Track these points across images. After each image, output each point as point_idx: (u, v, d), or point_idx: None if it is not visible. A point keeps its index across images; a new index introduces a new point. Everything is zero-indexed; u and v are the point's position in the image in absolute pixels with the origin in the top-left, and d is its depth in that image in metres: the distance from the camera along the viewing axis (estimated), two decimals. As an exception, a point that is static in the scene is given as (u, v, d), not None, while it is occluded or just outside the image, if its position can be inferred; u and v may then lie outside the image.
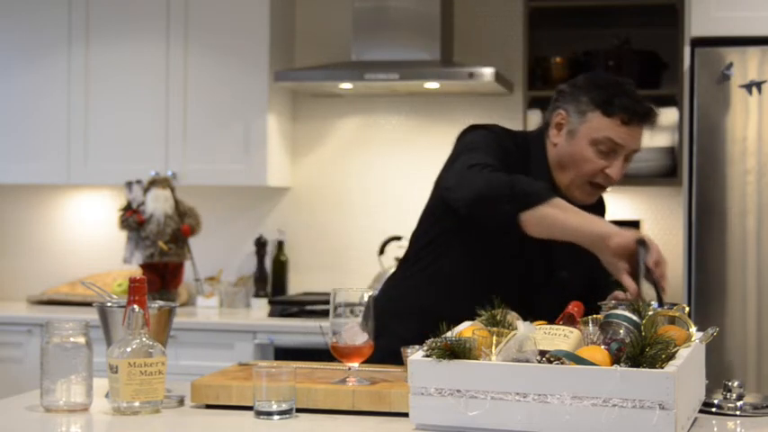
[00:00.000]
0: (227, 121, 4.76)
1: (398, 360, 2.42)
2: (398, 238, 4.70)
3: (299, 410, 2.16)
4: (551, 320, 2.18)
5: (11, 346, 4.63)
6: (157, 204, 4.66)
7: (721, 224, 3.93)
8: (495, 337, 2.06)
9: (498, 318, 2.14)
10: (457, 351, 2.00)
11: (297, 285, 5.02)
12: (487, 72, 4.39)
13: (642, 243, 2.34)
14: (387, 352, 2.43)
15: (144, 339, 2.17)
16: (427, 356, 2.02)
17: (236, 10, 4.74)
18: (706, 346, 2.23)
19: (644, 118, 2.59)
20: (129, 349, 2.16)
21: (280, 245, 4.96)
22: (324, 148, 4.99)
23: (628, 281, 2.35)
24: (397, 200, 4.85)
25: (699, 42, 3.97)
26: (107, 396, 2.24)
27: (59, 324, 2.22)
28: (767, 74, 3.88)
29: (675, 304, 2.30)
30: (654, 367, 1.91)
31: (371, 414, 2.16)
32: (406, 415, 2.06)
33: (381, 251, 4.76)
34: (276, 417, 2.12)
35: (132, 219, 4.70)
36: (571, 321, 2.14)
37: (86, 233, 5.20)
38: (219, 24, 4.76)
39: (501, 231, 2.49)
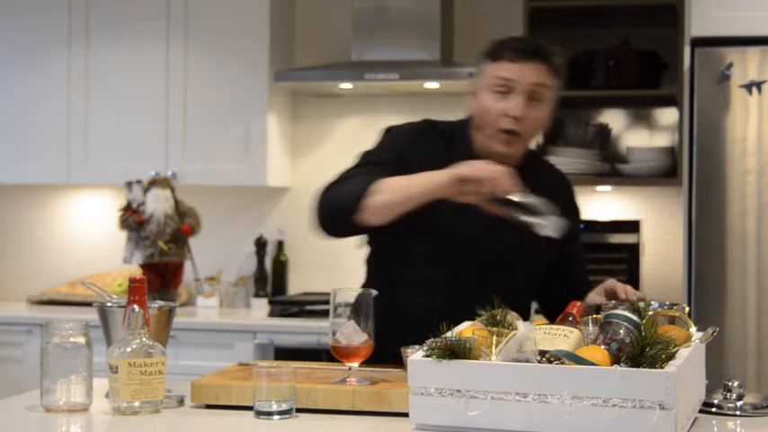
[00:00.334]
0: (227, 121, 4.76)
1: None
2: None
3: (299, 410, 2.16)
4: (505, 299, 2.22)
5: (11, 346, 4.63)
6: (157, 204, 4.66)
7: (721, 224, 3.93)
8: (495, 337, 2.06)
9: (498, 318, 2.14)
10: (457, 351, 2.00)
11: (297, 285, 5.02)
12: (487, 72, 4.39)
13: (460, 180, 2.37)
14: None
15: (144, 339, 2.17)
16: (427, 356, 2.03)
17: (236, 10, 4.74)
18: (706, 346, 2.23)
19: (533, 53, 2.56)
20: (129, 349, 2.16)
21: (280, 245, 4.96)
22: (324, 148, 4.99)
23: (490, 208, 2.38)
24: (397, 200, 4.84)
25: (699, 42, 3.97)
26: (107, 396, 2.24)
27: (59, 324, 2.22)
28: (767, 74, 3.88)
29: (675, 304, 2.30)
30: (654, 367, 1.91)
31: (371, 414, 2.16)
32: (406, 415, 2.06)
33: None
34: (276, 417, 2.12)
35: (132, 219, 4.70)
36: (571, 321, 2.14)
37: (86, 233, 5.20)
38: (219, 24, 4.76)
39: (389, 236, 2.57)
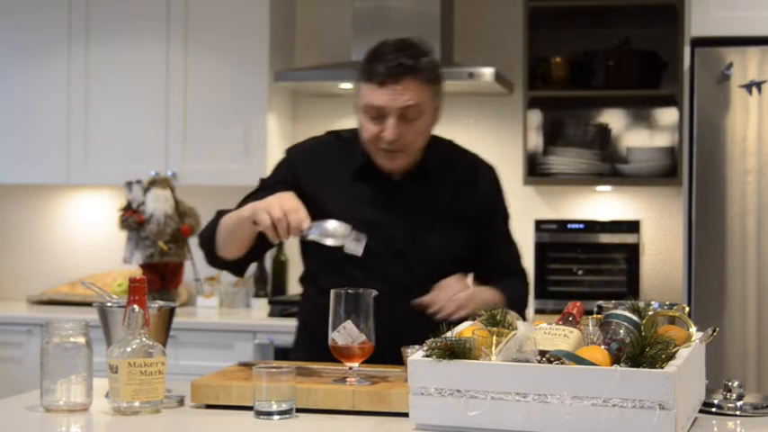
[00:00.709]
0: (227, 121, 4.76)
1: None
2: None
3: (299, 410, 2.16)
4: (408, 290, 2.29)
5: (11, 346, 4.63)
6: (157, 204, 4.66)
7: (721, 224, 3.93)
8: (495, 337, 2.06)
9: (498, 318, 2.14)
10: (457, 351, 2.00)
11: (297, 285, 5.00)
12: (487, 72, 4.39)
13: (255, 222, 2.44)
14: None
15: (144, 339, 2.17)
16: (427, 356, 2.02)
17: (236, 10, 4.74)
18: (706, 346, 2.23)
19: (401, 74, 2.53)
20: (129, 349, 2.16)
21: (280, 245, 4.96)
22: (324, 148, 4.98)
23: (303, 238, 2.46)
24: (397, 200, 4.85)
25: (699, 42, 3.97)
26: (107, 396, 2.24)
27: (59, 324, 2.22)
28: (767, 74, 3.88)
29: (675, 304, 2.30)
30: (654, 367, 1.91)
31: (371, 414, 2.16)
32: (406, 415, 2.06)
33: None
34: (276, 417, 2.12)
35: (132, 219, 4.70)
36: (571, 321, 2.14)
37: (86, 233, 5.20)
38: (219, 24, 4.76)
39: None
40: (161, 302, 2.39)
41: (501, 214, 2.81)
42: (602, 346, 2.01)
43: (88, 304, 4.41)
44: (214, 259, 2.69)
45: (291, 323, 4.41)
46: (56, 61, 4.88)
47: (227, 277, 4.99)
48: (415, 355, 2.07)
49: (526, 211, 4.79)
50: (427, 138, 2.66)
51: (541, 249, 4.61)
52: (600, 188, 4.74)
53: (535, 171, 4.64)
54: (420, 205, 2.67)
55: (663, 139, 4.68)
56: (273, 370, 2.12)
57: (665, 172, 4.51)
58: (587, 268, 4.57)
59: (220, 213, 2.68)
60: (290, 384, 2.13)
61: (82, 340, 2.22)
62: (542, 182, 4.67)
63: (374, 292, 2.31)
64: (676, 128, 4.55)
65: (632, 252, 4.53)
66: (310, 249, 2.69)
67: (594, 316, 2.22)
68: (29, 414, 2.21)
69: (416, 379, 2.02)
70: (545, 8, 4.59)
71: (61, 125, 4.88)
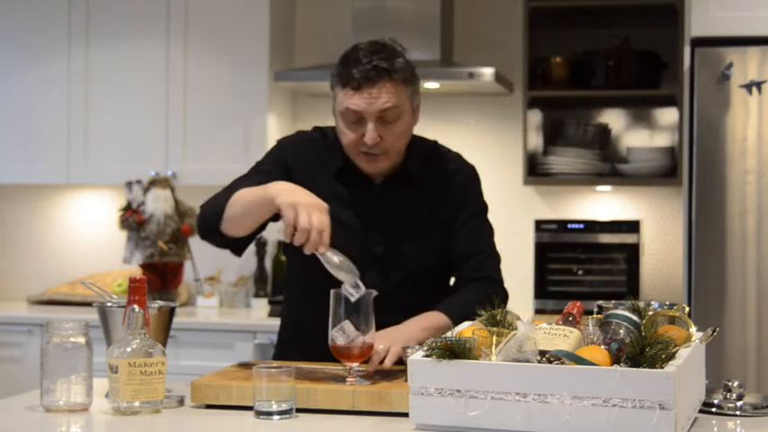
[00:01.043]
0: (227, 121, 4.76)
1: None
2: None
3: (299, 410, 2.16)
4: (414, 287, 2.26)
5: (11, 346, 4.63)
6: (157, 204, 4.66)
7: (721, 224, 3.93)
8: (495, 337, 2.06)
9: (498, 318, 2.14)
10: (457, 351, 2.00)
11: (297, 285, 5.01)
12: (487, 72, 4.39)
13: (279, 210, 2.37)
14: None
15: (144, 339, 2.17)
16: (427, 356, 2.03)
17: (236, 10, 4.74)
18: (706, 346, 2.23)
19: (376, 76, 2.52)
20: (129, 349, 2.16)
21: (280, 245, 4.96)
22: (324, 148, 4.98)
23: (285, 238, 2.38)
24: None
25: (699, 42, 3.97)
26: (107, 396, 2.24)
27: (59, 324, 2.22)
28: (767, 74, 3.88)
29: (675, 304, 2.30)
30: (654, 367, 1.91)
31: (371, 414, 2.16)
32: (406, 415, 2.06)
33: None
34: (276, 417, 2.12)
35: (132, 219, 4.70)
36: (571, 321, 2.14)
37: (86, 233, 5.20)
38: (219, 24, 4.76)
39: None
40: (161, 302, 2.39)
41: (470, 209, 2.71)
42: (602, 346, 2.01)
43: (88, 304, 4.41)
44: (214, 234, 2.59)
45: (291, 323, 4.43)
46: (56, 61, 4.88)
47: (227, 277, 4.99)
48: (415, 355, 2.07)
49: (526, 211, 4.80)
50: (408, 139, 2.64)
51: (541, 249, 4.61)
52: (600, 188, 4.74)
53: (535, 171, 4.64)
54: (399, 211, 2.65)
55: (663, 139, 4.68)
56: (273, 370, 2.12)
57: (665, 172, 4.51)
58: (587, 268, 4.57)
59: (229, 190, 2.59)
60: (290, 384, 2.13)
61: (82, 340, 2.22)
62: (542, 182, 4.67)
63: (374, 293, 2.31)
64: (676, 128, 4.55)
65: (632, 252, 4.53)
66: (293, 245, 2.68)
67: (594, 316, 2.22)
68: (29, 414, 2.21)
69: (416, 379, 2.02)
70: (545, 8, 4.59)
71: (61, 125, 4.88)
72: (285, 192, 2.38)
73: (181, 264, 4.77)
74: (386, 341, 2.37)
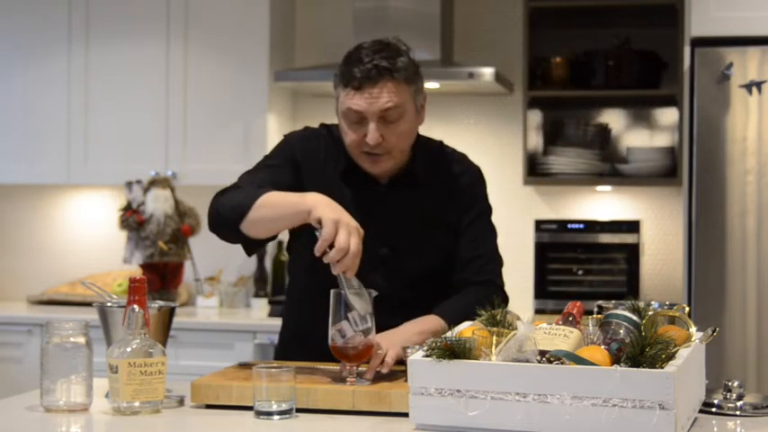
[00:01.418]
0: (227, 121, 4.76)
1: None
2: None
3: (299, 410, 2.16)
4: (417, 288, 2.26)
5: (11, 346, 4.63)
6: (157, 204, 4.66)
7: (721, 224, 3.93)
8: (495, 337, 2.06)
9: (498, 318, 2.14)
10: (457, 351, 2.00)
11: (297, 285, 5.01)
12: (487, 72, 4.39)
13: (319, 224, 2.31)
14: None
15: (144, 339, 2.17)
16: (427, 356, 2.02)
17: (236, 10, 4.74)
18: (706, 346, 2.23)
19: (376, 78, 2.50)
20: (129, 349, 2.16)
21: (279, 245, 4.96)
22: (324, 148, 4.98)
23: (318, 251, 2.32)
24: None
25: (699, 42, 3.97)
26: (107, 396, 2.24)
27: (59, 324, 2.22)
28: (767, 74, 3.88)
29: (675, 304, 2.30)
30: (654, 367, 1.91)
31: (371, 414, 2.16)
32: (406, 415, 2.06)
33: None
34: (276, 417, 2.12)
35: (132, 219, 4.70)
36: (571, 321, 2.14)
37: (86, 233, 5.20)
38: (219, 24, 4.76)
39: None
40: (161, 302, 2.39)
41: (474, 211, 2.70)
42: (602, 346, 2.01)
43: (88, 304, 4.41)
44: (230, 231, 2.50)
45: (291, 323, 4.44)
46: (56, 61, 4.88)
47: (227, 277, 4.99)
48: (415, 355, 2.07)
49: (526, 211, 4.80)
50: (412, 139, 2.63)
51: (541, 249, 4.61)
52: (600, 188, 4.74)
53: (535, 171, 4.64)
54: (404, 212, 2.64)
55: (663, 139, 4.68)
56: (273, 370, 2.12)
57: (665, 172, 4.51)
58: (587, 268, 4.57)
59: (242, 186, 2.55)
60: (290, 384, 2.13)
61: (82, 340, 2.22)
62: (542, 182, 4.67)
63: (374, 293, 2.31)
64: (676, 128, 4.55)
65: (632, 252, 4.53)
66: (298, 245, 2.67)
67: (594, 316, 2.22)
68: (29, 414, 2.21)
69: (416, 379, 2.02)
70: (545, 8, 4.59)
71: (61, 125, 4.88)
72: (325, 205, 2.33)
73: (181, 264, 4.77)
74: (383, 344, 2.36)
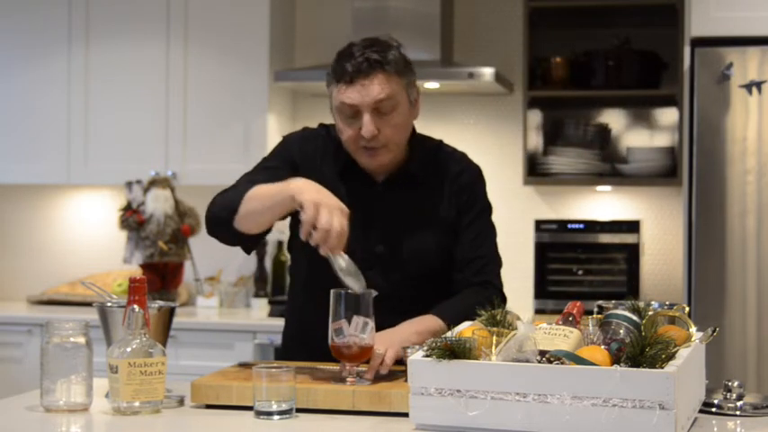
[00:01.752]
0: (227, 121, 4.76)
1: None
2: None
3: (299, 410, 2.16)
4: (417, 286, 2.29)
5: (11, 346, 4.63)
6: (157, 204, 4.66)
7: (721, 224, 3.93)
8: (495, 337, 2.06)
9: (498, 318, 2.14)
10: (457, 351, 2.00)
11: (297, 285, 5.01)
12: (487, 72, 4.39)
13: (302, 208, 2.34)
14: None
15: (144, 339, 2.17)
16: (427, 356, 2.02)
17: (236, 10, 4.74)
18: (706, 346, 2.23)
19: (368, 70, 2.53)
20: (129, 349, 2.16)
21: (279, 245, 4.96)
22: (324, 148, 4.98)
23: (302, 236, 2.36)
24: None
25: (699, 42, 3.97)
26: (107, 396, 2.24)
27: (59, 324, 2.22)
28: (767, 74, 3.88)
29: (675, 304, 2.30)
30: (654, 367, 1.91)
31: (371, 414, 2.16)
32: (406, 415, 2.06)
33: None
34: (276, 417, 2.12)
35: (132, 219, 4.70)
36: (571, 321, 2.14)
37: (86, 233, 5.20)
38: (219, 24, 4.76)
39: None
40: (161, 302, 2.39)
41: (474, 211, 2.71)
42: (602, 346, 2.01)
43: (88, 304, 4.41)
44: (225, 230, 2.54)
45: (291, 323, 4.43)
46: (56, 61, 4.88)
47: (227, 277, 4.99)
48: (415, 355, 2.07)
49: (526, 211, 4.80)
50: (407, 132, 2.63)
51: (541, 249, 4.61)
52: (600, 188, 4.74)
53: (535, 171, 4.64)
54: (402, 210, 2.64)
55: (663, 139, 4.68)
56: (273, 370, 2.12)
57: (665, 172, 4.51)
58: (587, 268, 4.57)
59: (239, 186, 2.57)
60: (290, 384, 2.13)
61: (82, 340, 2.22)
62: (542, 182, 4.67)
63: (374, 293, 2.31)
64: (676, 128, 4.55)
65: (632, 252, 4.53)
66: (297, 242, 2.67)
67: (594, 316, 2.22)
68: (29, 414, 2.21)
69: (416, 379, 2.02)
70: (545, 8, 4.59)
71: (61, 125, 4.88)
72: (307, 189, 2.36)
73: (181, 264, 4.77)
74: (381, 344, 2.36)
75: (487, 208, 2.75)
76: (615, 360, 1.96)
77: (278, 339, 4.33)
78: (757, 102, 3.89)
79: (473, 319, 2.21)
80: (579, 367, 1.94)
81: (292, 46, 5.02)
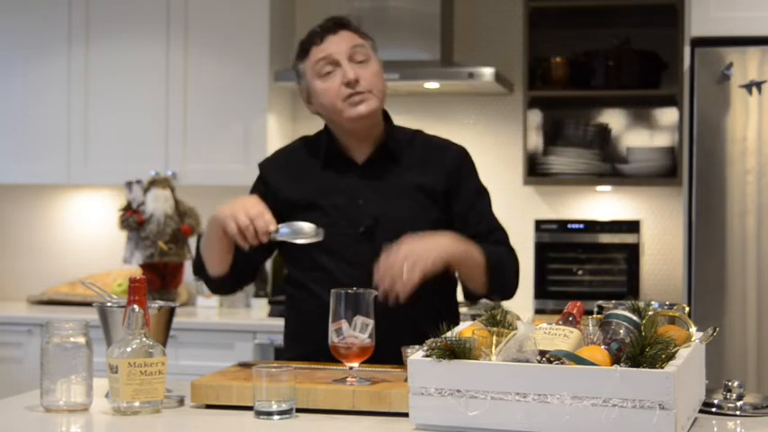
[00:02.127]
0: (227, 121, 4.76)
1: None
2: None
3: (299, 410, 2.16)
4: None
5: (11, 346, 4.63)
6: (157, 204, 4.66)
7: (721, 224, 3.93)
8: (495, 337, 2.06)
9: (498, 318, 2.14)
10: (457, 351, 2.00)
11: (297, 285, 5.01)
12: (487, 72, 4.39)
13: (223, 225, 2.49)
14: None
15: (144, 339, 2.17)
16: (427, 356, 2.02)
17: (236, 10, 4.74)
18: (706, 346, 2.23)
19: (334, 26, 2.67)
20: (129, 349, 2.16)
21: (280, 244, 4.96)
22: (324, 148, 4.98)
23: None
24: (397, 200, 4.84)
25: (699, 42, 3.97)
26: (107, 396, 2.24)
27: (59, 324, 2.22)
28: (767, 74, 3.88)
29: (675, 304, 2.30)
30: (654, 367, 1.91)
31: (371, 414, 2.16)
32: (406, 415, 2.06)
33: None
34: (276, 417, 2.12)
35: (132, 219, 4.70)
36: (571, 321, 2.14)
37: (86, 233, 5.20)
38: (219, 24, 4.76)
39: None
40: (161, 302, 2.39)
41: (471, 189, 2.73)
42: (602, 346, 2.01)
43: (88, 304, 4.41)
44: (209, 282, 2.73)
45: (291, 323, 4.43)
46: (56, 61, 4.88)
47: (227, 277, 4.99)
48: (415, 355, 2.07)
49: (526, 211, 4.80)
50: (384, 84, 2.71)
51: (541, 249, 4.61)
52: (600, 188, 4.74)
53: (535, 171, 4.64)
54: (384, 184, 2.68)
55: (663, 139, 4.68)
56: (273, 370, 2.12)
57: (665, 172, 4.52)
58: (587, 268, 4.57)
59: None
60: (290, 384, 2.13)
61: (82, 340, 2.22)
62: (542, 182, 4.67)
63: (374, 292, 2.31)
64: (676, 128, 4.55)
65: (632, 252, 4.54)
66: (283, 246, 2.70)
67: (594, 316, 2.22)
68: (29, 414, 2.21)
69: (416, 379, 2.02)
70: (545, 8, 4.59)
71: (61, 125, 4.89)
72: (221, 209, 2.51)
73: (181, 264, 4.77)
74: (409, 256, 2.41)
75: (482, 186, 2.78)
76: (615, 360, 1.96)
77: (278, 339, 4.35)
78: (757, 102, 3.89)
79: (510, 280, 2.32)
80: (579, 367, 1.94)
81: (292, 46, 4.99)
